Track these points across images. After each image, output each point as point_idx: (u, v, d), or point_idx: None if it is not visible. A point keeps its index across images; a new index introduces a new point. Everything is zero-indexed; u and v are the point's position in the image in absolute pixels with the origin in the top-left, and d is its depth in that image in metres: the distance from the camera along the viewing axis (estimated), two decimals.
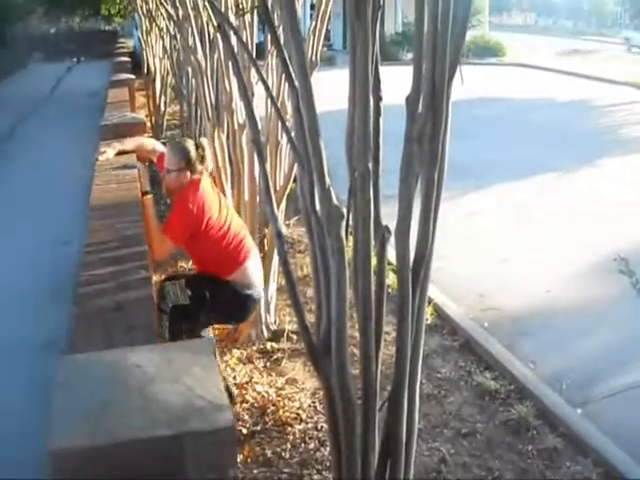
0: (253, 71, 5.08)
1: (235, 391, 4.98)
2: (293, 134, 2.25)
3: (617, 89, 20.75)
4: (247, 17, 5.29)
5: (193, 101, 9.99)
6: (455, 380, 5.25)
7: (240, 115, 5.50)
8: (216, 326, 5.95)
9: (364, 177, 2.14)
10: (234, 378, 5.18)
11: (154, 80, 13.46)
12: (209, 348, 1.99)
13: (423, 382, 4.93)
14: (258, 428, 4.65)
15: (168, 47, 11.46)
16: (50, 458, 1.60)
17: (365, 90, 2.10)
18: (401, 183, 2.25)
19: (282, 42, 2.33)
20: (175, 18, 7.38)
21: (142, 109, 14.72)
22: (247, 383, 5.13)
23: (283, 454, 4.41)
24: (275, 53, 5.03)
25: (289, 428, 4.65)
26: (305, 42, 4.64)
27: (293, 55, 2.13)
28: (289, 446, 4.48)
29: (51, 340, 4.57)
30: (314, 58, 4.83)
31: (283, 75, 4.79)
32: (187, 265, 6.70)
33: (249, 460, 4.34)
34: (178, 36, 7.67)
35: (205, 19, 5.99)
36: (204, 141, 5.08)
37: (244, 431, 4.58)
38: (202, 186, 4.75)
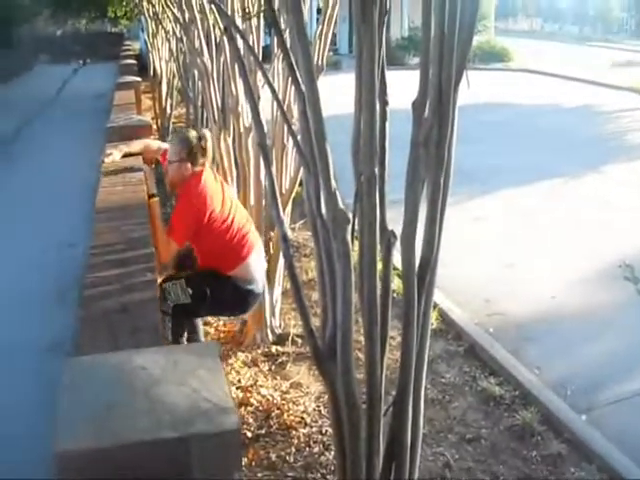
0: (259, 75, 5.08)
1: (240, 395, 4.99)
2: (299, 138, 2.26)
3: (622, 95, 20.70)
4: (253, 20, 5.29)
5: (199, 104, 9.99)
6: (460, 385, 5.24)
7: (246, 118, 5.50)
8: (221, 329, 5.97)
9: (370, 181, 2.15)
10: (239, 381, 5.18)
11: (160, 83, 13.47)
12: (215, 351, 1.99)
13: (428, 387, 4.93)
14: (263, 431, 4.65)
15: (174, 50, 11.47)
16: (56, 460, 1.61)
17: (371, 94, 2.10)
18: (407, 187, 2.26)
19: (289, 46, 2.33)
20: (181, 21, 7.38)
21: (148, 112, 14.73)
22: (252, 386, 5.13)
23: (287, 458, 4.41)
24: (281, 57, 5.03)
25: (294, 432, 4.64)
26: (312, 46, 4.64)
27: (300, 59, 2.13)
28: (293, 450, 4.48)
29: (56, 342, 4.57)
30: (320, 62, 4.83)
31: (289, 79, 4.79)
32: None
33: (253, 463, 4.33)
34: (184, 39, 7.67)
35: (211, 22, 5.99)
36: (207, 133, 5.06)
37: (249, 434, 4.58)
38: (204, 178, 4.74)
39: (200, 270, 4.91)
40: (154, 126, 12.32)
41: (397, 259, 2.26)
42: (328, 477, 4.23)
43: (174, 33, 10.53)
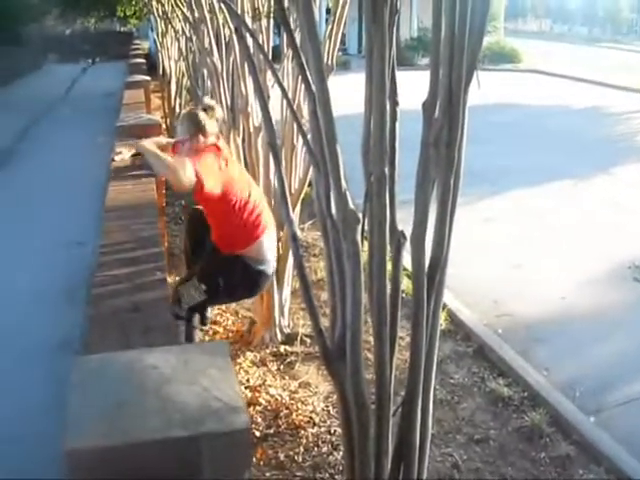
0: (269, 74, 5.08)
1: (249, 394, 4.99)
2: (309, 137, 2.26)
3: (631, 96, 20.65)
4: (263, 20, 5.29)
5: None
6: (468, 386, 5.24)
7: (256, 118, 5.50)
8: (230, 329, 5.98)
9: (380, 181, 2.15)
10: (247, 381, 5.18)
11: (169, 82, 13.48)
12: (225, 350, 2.00)
13: (436, 388, 4.92)
14: (271, 431, 4.65)
15: (184, 49, 11.46)
16: (66, 458, 1.61)
17: (382, 95, 2.10)
18: (417, 188, 2.26)
19: (299, 45, 2.33)
20: (191, 20, 7.40)
21: (157, 111, 14.76)
22: (260, 386, 5.13)
23: (296, 457, 4.41)
24: (291, 56, 5.03)
25: (302, 431, 4.65)
26: (322, 46, 4.64)
27: (310, 59, 2.13)
28: (302, 449, 4.48)
29: (66, 340, 4.59)
30: (330, 62, 4.83)
31: (299, 78, 4.80)
32: None
33: (262, 463, 4.34)
34: (194, 38, 7.69)
35: (221, 21, 5.99)
36: (211, 101, 4.98)
37: (257, 434, 4.58)
38: (221, 147, 4.65)
39: (210, 257, 4.79)
40: (163, 125, 12.33)
41: (406, 259, 2.26)
42: (336, 477, 4.23)
43: (183, 32, 10.53)
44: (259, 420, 4.74)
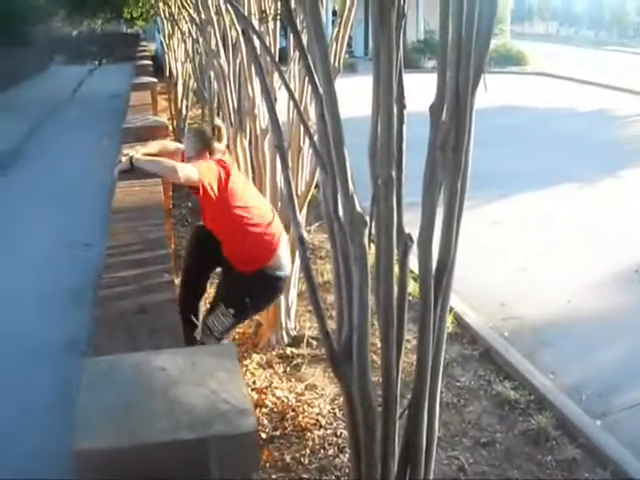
0: (276, 76, 5.09)
1: (255, 396, 4.99)
2: (316, 139, 2.26)
3: (638, 99, 20.62)
4: (270, 22, 5.30)
5: (215, 105, 10.01)
6: (475, 389, 5.23)
7: (263, 120, 5.51)
8: (236, 331, 5.97)
9: (387, 184, 2.15)
10: (254, 383, 5.19)
11: (176, 84, 13.51)
12: (233, 352, 1.99)
13: (442, 391, 4.91)
14: (277, 433, 4.66)
15: (190, 51, 11.50)
16: (74, 459, 1.61)
17: (389, 97, 2.10)
18: (424, 191, 2.26)
19: (306, 47, 2.33)
20: (197, 22, 7.41)
21: (164, 112, 14.77)
22: (267, 388, 5.14)
23: (302, 460, 4.42)
24: (298, 59, 5.04)
25: (308, 434, 4.65)
26: (329, 48, 4.65)
27: (317, 61, 2.13)
28: (308, 452, 4.48)
29: (73, 341, 4.61)
30: (337, 64, 4.83)
31: (306, 80, 4.80)
32: None
33: (268, 465, 4.34)
34: (200, 40, 7.70)
35: (228, 23, 6.00)
36: (219, 122, 5.06)
37: (263, 436, 4.59)
38: (228, 164, 4.69)
39: (230, 280, 4.82)
40: (170, 127, 12.35)
41: (413, 262, 2.26)
42: (342, 479, 4.24)
43: (190, 34, 10.56)
44: (265, 422, 4.75)
